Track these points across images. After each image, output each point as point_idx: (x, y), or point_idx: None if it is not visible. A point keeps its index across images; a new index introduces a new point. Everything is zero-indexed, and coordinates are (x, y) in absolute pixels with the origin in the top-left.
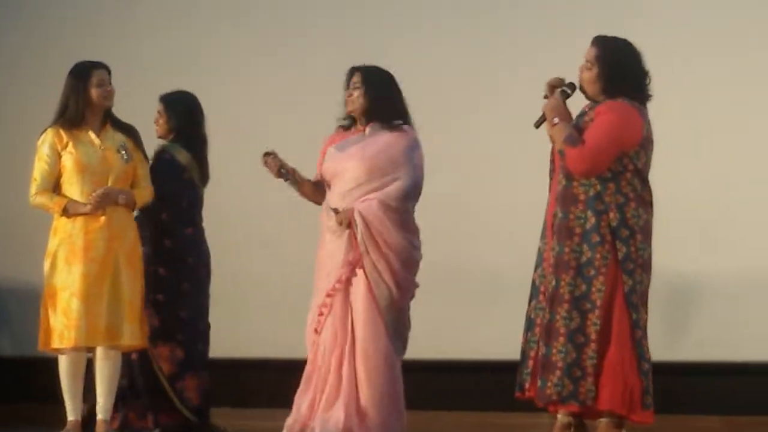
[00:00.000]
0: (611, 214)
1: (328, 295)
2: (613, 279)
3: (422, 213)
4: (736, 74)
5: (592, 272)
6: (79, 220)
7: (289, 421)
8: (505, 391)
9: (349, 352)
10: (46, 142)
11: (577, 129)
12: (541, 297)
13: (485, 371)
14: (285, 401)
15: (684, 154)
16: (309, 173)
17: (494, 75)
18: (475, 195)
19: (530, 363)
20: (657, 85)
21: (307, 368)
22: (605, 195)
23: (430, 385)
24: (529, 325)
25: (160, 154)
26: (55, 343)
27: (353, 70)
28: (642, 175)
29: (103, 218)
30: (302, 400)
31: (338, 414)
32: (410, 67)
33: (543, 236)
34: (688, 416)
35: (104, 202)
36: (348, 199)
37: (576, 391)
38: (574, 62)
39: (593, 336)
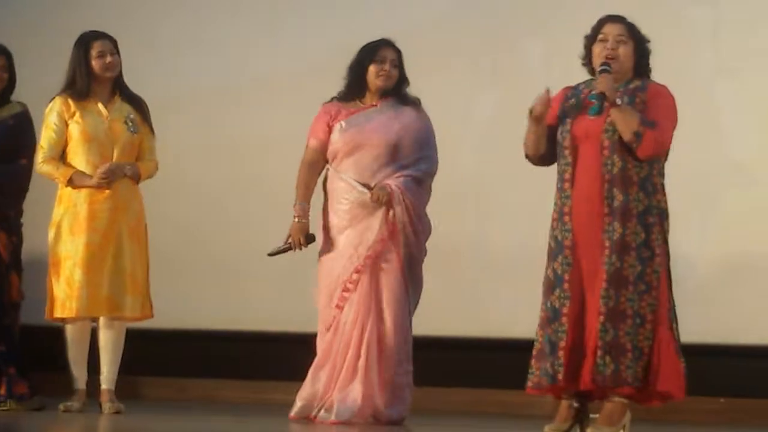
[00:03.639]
0: (659, 196)
1: (357, 271)
2: (664, 261)
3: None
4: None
5: (647, 253)
6: (84, 190)
7: (304, 394)
8: (508, 369)
9: (371, 329)
10: (53, 111)
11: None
12: (566, 286)
13: (490, 349)
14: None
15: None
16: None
17: (507, 52)
18: (489, 173)
19: (561, 353)
20: None
21: (324, 343)
22: (653, 176)
23: (433, 361)
24: (555, 315)
25: None
26: (58, 313)
27: (389, 45)
28: (666, 158)
29: (106, 191)
30: (319, 375)
31: (356, 391)
32: (419, 45)
33: (562, 223)
34: (693, 398)
35: (110, 178)
36: (379, 175)
37: (638, 373)
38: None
39: (649, 317)
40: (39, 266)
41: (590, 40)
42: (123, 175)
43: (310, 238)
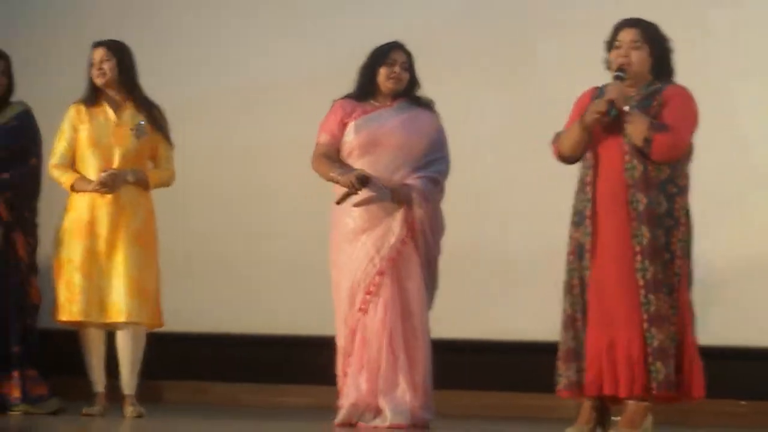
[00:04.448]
0: (681, 198)
1: (380, 274)
2: (685, 263)
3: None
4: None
5: (667, 256)
6: (88, 196)
7: (350, 400)
8: (529, 372)
9: (403, 330)
10: (66, 118)
11: (648, 115)
12: (587, 289)
13: (510, 352)
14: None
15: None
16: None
17: (521, 57)
18: (501, 178)
19: (584, 357)
20: None
21: (354, 348)
22: (676, 178)
23: (453, 364)
24: (575, 318)
25: None
26: (60, 316)
27: (400, 48)
28: (689, 159)
29: (109, 196)
30: (359, 380)
31: (404, 391)
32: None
33: (584, 226)
34: (714, 400)
35: (109, 184)
36: (396, 176)
37: (674, 375)
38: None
39: (673, 320)
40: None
41: (608, 46)
42: (125, 181)
43: (363, 179)
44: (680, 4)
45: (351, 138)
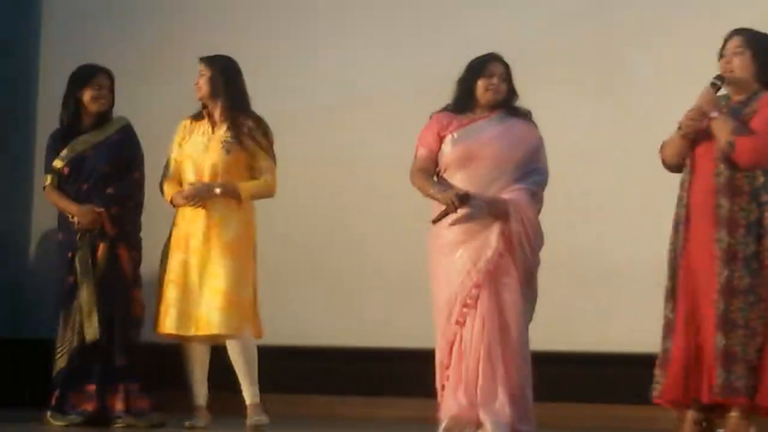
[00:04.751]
0: None
1: (477, 287)
2: None
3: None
4: None
5: (756, 264)
6: (188, 210)
7: (451, 413)
8: (628, 384)
9: (501, 342)
10: (176, 133)
11: (739, 121)
12: (679, 296)
13: (610, 364)
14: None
15: None
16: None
17: (611, 62)
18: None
19: (670, 364)
20: None
21: (452, 360)
22: None
23: (550, 376)
24: (670, 325)
25: None
26: (158, 328)
27: (497, 59)
28: None
29: (203, 210)
30: (458, 393)
31: (504, 404)
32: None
33: (677, 232)
34: None
35: (190, 197)
36: (492, 189)
37: (750, 384)
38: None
39: (759, 329)
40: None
41: (719, 57)
42: (212, 194)
43: (463, 198)
44: None
45: (448, 151)
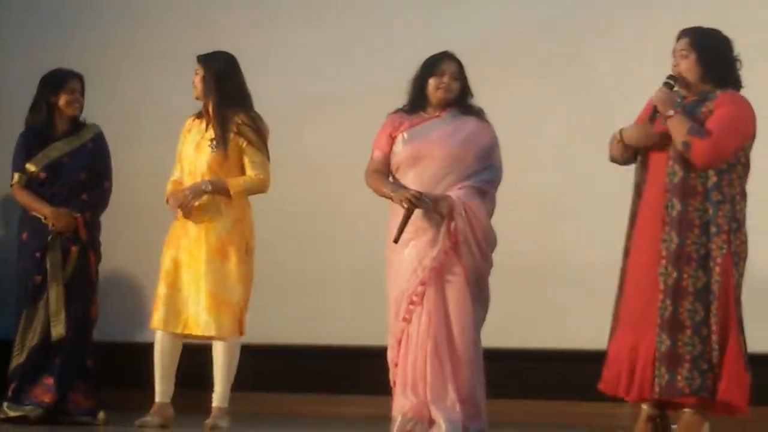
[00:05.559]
0: (727, 206)
1: (422, 284)
2: (727, 271)
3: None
4: None
5: (711, 263)
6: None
7: (402, 411)
8: (586, 381)
9: (447, 339)
10: (181, 132)
11: (695, 121)
12: (623, 294)
13: (567, 360)
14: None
15: None
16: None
17: (575, 66)
18: (556, 186)
19: (614, 361)
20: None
21: (401, 360)
22: (722, 186)
23: (511, 373)
24: (615, 323)
25: None
26: (151, 324)
27: (450, 58)
28: (747, 168)
29: (196, 208)
30: (408, 391)
31: (454, 401)
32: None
33: (628, 230)
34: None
35: (177, 204)
36: (440, 187)
37: (704, 383)
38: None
39: (714, 328)
40: (110, 284)
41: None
42: (200, 193)
43: (415, 196)
44: (730, 8)
45: (399, 151)
